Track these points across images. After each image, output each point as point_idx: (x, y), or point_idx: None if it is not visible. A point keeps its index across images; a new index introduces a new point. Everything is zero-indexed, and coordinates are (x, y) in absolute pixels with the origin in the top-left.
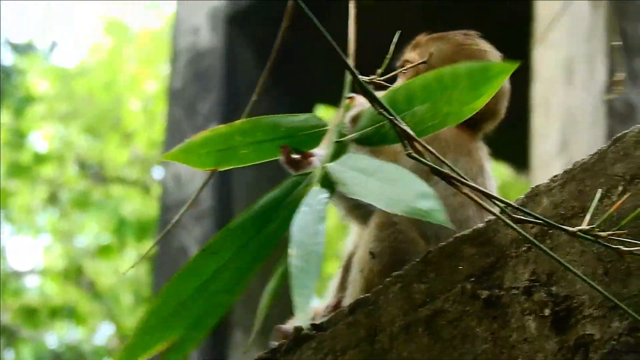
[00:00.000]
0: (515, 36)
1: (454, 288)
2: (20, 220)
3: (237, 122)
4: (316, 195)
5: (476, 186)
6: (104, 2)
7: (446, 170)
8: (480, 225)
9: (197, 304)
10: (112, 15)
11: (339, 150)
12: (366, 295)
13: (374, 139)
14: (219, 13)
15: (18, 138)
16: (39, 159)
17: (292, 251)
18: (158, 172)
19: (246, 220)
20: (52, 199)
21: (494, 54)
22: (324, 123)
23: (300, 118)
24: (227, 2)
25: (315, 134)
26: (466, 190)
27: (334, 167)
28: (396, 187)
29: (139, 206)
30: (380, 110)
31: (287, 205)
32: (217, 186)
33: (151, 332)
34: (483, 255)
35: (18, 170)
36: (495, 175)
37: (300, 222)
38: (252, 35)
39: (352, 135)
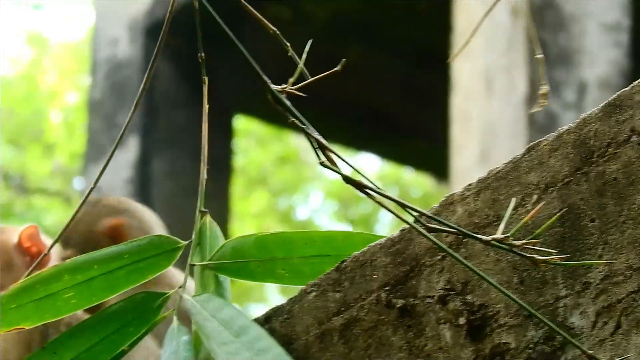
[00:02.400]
0: (434, 47)
1: (369, 297)
2: None
3: (68, 260)
4: (177, 336)
5: (391, 196)
6: (24, 14)
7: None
8: (395, 234)
9: None
10: (32, 27)
11: (197, 276)
12: (281, 304)
13: (240, 272)
14: (137, 24)
15: None
16: None
17: None
18: (79, 183)
19: (91, 325)
20: None
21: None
22: (175, 241)
23: (144, 241)
24: (145, 14)
25: (167, 255)
26: (380, 198)
27: (195, 307)
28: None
29: (60, 217)
30: (293, 119)
31: (136, 320)
32: (137, 197)
33: None
34: (397, 264)
35: None
36: (418, 185)
37: None
38: (171, 47)
39: (211, 262)
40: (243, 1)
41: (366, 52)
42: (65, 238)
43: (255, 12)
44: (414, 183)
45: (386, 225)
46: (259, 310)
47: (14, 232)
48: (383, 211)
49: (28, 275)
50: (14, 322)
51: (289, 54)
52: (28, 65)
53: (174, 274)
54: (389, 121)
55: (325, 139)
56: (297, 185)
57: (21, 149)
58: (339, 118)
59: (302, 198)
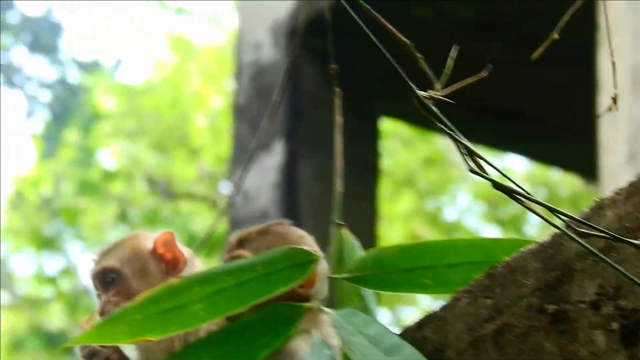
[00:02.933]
0: (578, 44)
1: (521, 302)
2: (91, 238)
3: (200, 272)
4: (318, 351)
5: (540, 201)
6: (168, 19)
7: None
8: (546, 239)
9: None
10: (176, 32)
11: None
12: (434, 310)
13: (382, 283)
14: (280, 27)
15: (86, 156)
16: (108, 176)
17: None
18: (225, 188)
19: (226, 333)
20: (122, 216)
21: (308, 238)
22: (309, 254)
23: (278, 253)
24: (288, 16)
25: (301, 268)
26: (528, 203)
27: (339, 322)
28: None
29: (207, 222)
30: (440, 125)
31: (271, 332)
32: (284, 201)
33: None
34: (549, 269)
35: (87, 188)
36: (566, 186)
37: None
38: (314, 50)
39: (352, 274)
40: (376, 14)
41: (509, 51)
42: (244, 239)
43: (389, 26)
44: (562, 183)
45: (535, 227)
46: (408, 312)
47: (149, 238)
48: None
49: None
50: (139, 334)
51: (421, 62)
52: (173, 69)
53: None
54: (535, 121)
55: (471, 140)
56: (444, 186)
57: (167, 154)
58: (484, 119)
59: (450, 199)
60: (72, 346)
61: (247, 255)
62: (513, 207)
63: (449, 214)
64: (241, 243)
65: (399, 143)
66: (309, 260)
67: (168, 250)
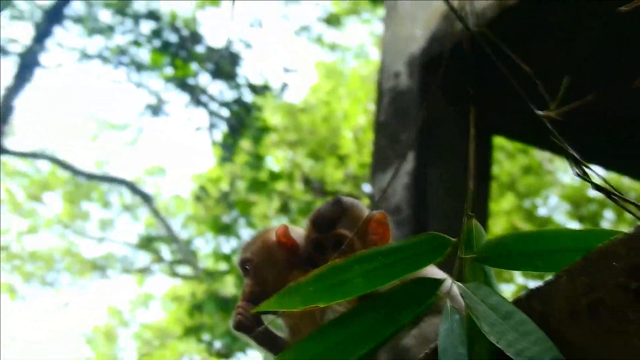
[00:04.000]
0: None
1: (610, 281)
2: (259, 225)
3: (357, 253)
4: (451, 316)
5: (629, 199)
6: (324, 52)
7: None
8: (631, 229)
9: (337, 351)
10: (330, 62)
11: (465, 267)
12: (539, 286)
13: (503, 262)
14: (415, 60)
15: (256, 160)
16: (273, 176)
17: None
18: (367, 188)
19: (372, 305)
20: (284, 209)
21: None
22: (446, 239)
23: (420, 238)
24: (421, 52)
25: (439, 250)
26: (626, 205)
27: (467, 293)
28: (528, 341)
29: None
30: (552, 137)
31: (413, 302)
32: (414, 196)
33: None
34: (636, 254)
35: (257, 186)
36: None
37: (444, 344)
38: (443, 78)
39: (478, 255)
40: (503, 46)
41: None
42: (332, 219)
43: (515, 58)
44: (632, 187)
45: (609, 222)
46: (506, 288)
47: (272, 232)
48: (607, 210)
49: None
50: (311, 301)
51: (540, 88)
52: (327, 92)
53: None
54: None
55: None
56: (539, 189)
57: (320, 160)
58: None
59: (543, 200)
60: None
61: (346, 233)
62: (592, 206)
63: (542, 211)
64: (333, 222)
65: (504, 154)
66: (446, 243)
67: (287, 239)
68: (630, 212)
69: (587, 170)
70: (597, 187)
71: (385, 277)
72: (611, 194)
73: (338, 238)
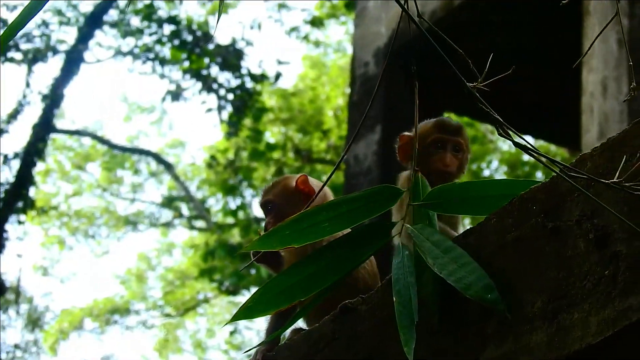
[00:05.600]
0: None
1: (530, 221)
2: (260, 186)
3: (325, 202)
4: (402, 252)
5: (544, 155)
6: (307, 47)
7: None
8: (548, 180)
9: (309, 281)
10: (313, 55)
11: (413, 212)
12: (473, 227)
13: (445, 208)
14: (380, 52)
15: (256, 135)
16: (270, 147)
17: (395, 298)
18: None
19: (341, 242)
20: (279, 173)
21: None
22: (397, 189)
23: (376, 189)
24: (385, 45)
25: (392, 198)
26: (540, 157)
27: (415, 233)
28: (465, 271)
29: (332, 177)
30: (481, 105)
31: (372, 240)
32: (381, 160)
33: (269, 299)
34: (549, 199)
35: (257, 155)
36: (560, 155)
37: (396, 275)
38: (404, 65)
39: (424, 202)
40: (444, 36)
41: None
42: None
43: (452, 43)
44: (559, 153)
45: (539, 180)
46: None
47: (293, 179)
48: (538, 171)
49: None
50: (287, 242)
51: (470, 65)
52: (312, 80)
53: None
54: (545, 113)
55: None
56: (483, 155)
57: (307, 134)
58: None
59: (486, 164)
60: (247, 252)
61: (463, 142)
62: (526, 169)
63: (485, 173)
64: (457, 130)
65: None
66: (397, 193)
67: (305, 186)
68: (544, 164)
69: (509, 131)
70: (516, 144)
71: (349, 221)
72: (529, 149)
73: (459, 144)
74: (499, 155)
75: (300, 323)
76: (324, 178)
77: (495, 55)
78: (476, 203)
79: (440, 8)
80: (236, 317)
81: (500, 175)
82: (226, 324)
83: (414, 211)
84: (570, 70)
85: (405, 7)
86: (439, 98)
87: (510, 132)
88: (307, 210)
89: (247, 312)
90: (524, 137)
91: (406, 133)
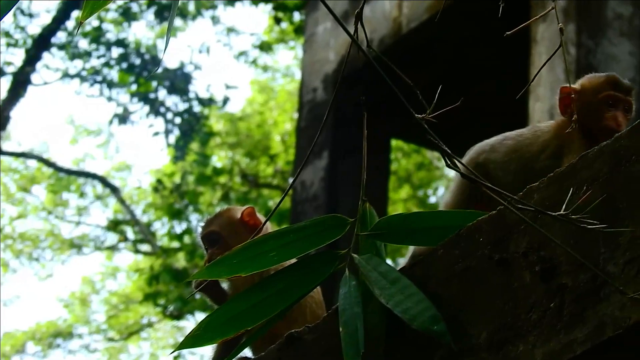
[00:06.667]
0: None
1: (478, 252)
2: (205, 211)
3: (273, 231)
4: (349, 282)
5: (492, 186)
6: (256, 71)
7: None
8: (494, 211)
9: (256, 310)
10: (261, 79)
11: (360, 242)
12: (421, 257)
13: (391, 238)
14: (329, 78)
15: (203, 159)
16: (217, 172)
17: (341, 329)
18: (291, 180)
19: (290, 270)
20: (225, 198)
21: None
22: (345, 219)
23: (323, 219)
24: (333, 72)
25: (339, 228)
26: (488, 189)
27: (361, 262)
28: (412, 302)
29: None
30: (429, 136)
31: (318, 270)
32: (328, 187)
33: (216, 328)
34: (496, 230)
35: (203, 179)
36: None
37: (343, 305)
38: (351, 92)
39: (371, 232)
40: (393, 66)
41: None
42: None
43: (401, 74)
44: None
45: None
46: (402, 261)
47: (238, 211)
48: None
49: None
50: (234, 271)
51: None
52: (260, 105)
53: None
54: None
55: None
56: (430, 182)
57: (254, 159)
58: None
59: (432, 190)
60: (191, 280)
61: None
62: None
63: (432, 200)
64: (629, 89)
65: (401, 153)
66: (345, 222)
67: (251, 218)
68: (491, 194)
69: (456, 161)
70: (463, 175)
71: (296, 250)
72: (474, 180)
73: (630, 104)
74: (445, 182)
75: (247, 352)
76: (271, 203)
77: (443, 82)
78: (424, 234)
79: (388, 35)
80: (183, 346)
81: None
82: (172, 352)
83: (361, 241)
84: (518, 98)
85: (355, 35)
86: (387, 124)
87: (458, 162)
88: (254, 239)
89: (193, 340)
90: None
91: (571, 85)
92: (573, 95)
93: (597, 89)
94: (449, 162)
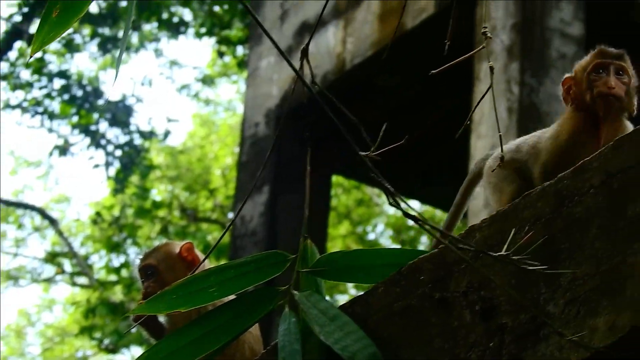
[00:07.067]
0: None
1: (418, 291)
2: (144, 244)
3: (214, 266)
4: (288, 319)
5: (434, 225)
6: (198, 105)
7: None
8: (436, 250)
9: (195, 346)
10: (203, 113)
11: (301, 279)
12: (360, 294)
13: (331, 276)
14: (271, 113)
15: (143, 192)
16: (156, 205)
17: None
18: (231, 215)
19: (230, 306)
20: (164, 232)
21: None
22: (286, 255)
23: (265, 255)
24: (276, 107)
25: (280, 265)
26: (432, 229)
27: (302, 299)
28: (351, 339)
29: (218, 236)
30: (373, 174)
31: (258, 307)
32: (268, 222)
33: None
34: (437, 269)
35: (142, 213)
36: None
37: (282, 341)
38: (294, 127)
39: (311, 269)
40: (338, 103)
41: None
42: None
43: (346, 111)
44: (443, 218)
45: (424, 245)
46: (342, 298)
47: (177, 246)
48: (423, 236)
49: (188, 276)
50: (174, 307)
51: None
52: (201, 139)
53: None
54: (428, 176)
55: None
56: (369, 218)
57: (194, 193)
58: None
59: (372, 227)
60: (129, 315)
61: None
62: (411, 233)
63: (371, 236)
64: (620, 55)
65: (341, 189)
66: (285, 259)
67: (189, 254)
68: (431, 233)
69: (399, 200)
70: (405, 214)
71: (237, 286)
72: (416, 219)
73: (622, 67)
74: (384, 218)
75: None
76: (209, 238)
77: (387, 118)
78: (364, 271)
79: (332, 71)
80: None
81: (385, 239)
82: None
83: (302, 278)
84: (460, 135)
85: (300, 70)
86: (328, 159)
87: (401, 201)
88: (194, 274)
89: None
90: (413, 201)
91: (568, 75)
92: (571, 84)
93: (586, 65)
94: (392, 201)
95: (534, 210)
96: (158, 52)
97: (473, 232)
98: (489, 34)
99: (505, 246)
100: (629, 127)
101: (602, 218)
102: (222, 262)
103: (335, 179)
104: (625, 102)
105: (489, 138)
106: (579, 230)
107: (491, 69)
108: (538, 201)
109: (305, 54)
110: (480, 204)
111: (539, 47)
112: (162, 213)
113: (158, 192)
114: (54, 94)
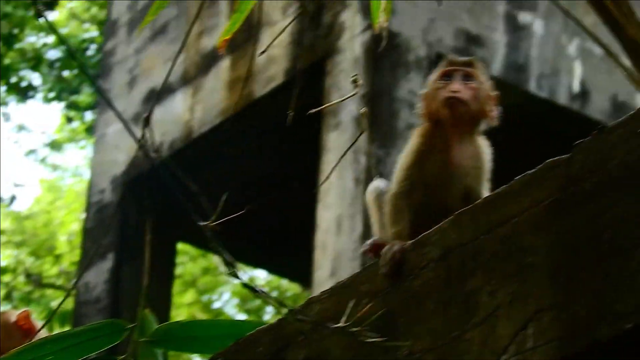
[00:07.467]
0: (307, 196)
1: None
2: None
3: (51, 335)
4: None
5: (272, 296)
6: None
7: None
8: (274, 321)
9: None
10: (50, 178)
11: (139, 349)
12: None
13: (170, 345)
14: (117, 180)
15: None
16: (1, 270)
17: None
18: (74, 282)
19: None
20: (8, 297)
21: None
22: (124, 324)
23: (102, 323)
24: (122, 173)
25: (117, 334)
26: (266, 298)
27: None
28: None
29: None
30: (213, 244)
31: None
32: (112, 289)
33: None
34: (275, 341)
35: None
36: (291, 290)
37: None
38: (138, 194)
39: (149, 339)
40: (177, 172)
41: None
42: None
43: (185, 181)
44: (289, 288)
45: (270, 314)
46: None
47: (13, 314)
48: (269, 306)
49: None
50: None
51: (204, 203)
52: (47, 204)
53: None
54: (275, 246)
55: (235, 257)
56: (215, 287)
57: (40, 258)
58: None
59: (218, 295)
60: None
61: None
62: (257, 302)
63: (217, 305)
64: (469, 63)
65: (187, 257)
66: (123, 328)
67: (26, 322)
68: (272, 304)
69: (236, 270)
70: (244, 284)
71: (75, 355)
72: (254, 289)
73: (469, 73)
74: (230, 287)
75: None
76: (54, 304)
77: (234, 186)
78: (203, 342)
79: (180, 139)
80: None
81: (231, 308)
82: None
83: (140, 347)
84: (306, 205)
85: (143, 138)
86: (173, 227)
87: (241, 271)
88: (30, 343)
89: None
90: (260, 271)
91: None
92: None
93: (434, 78)
94: (232, 273)
95: (372, 284)
96: (6, 117)
97: (312, 304)
98: (360, 81)
99: (344, 318)
100: (483, 144)
101: (439, 293)
102: (67, 326)
103: (181, 246)
104: (474, 107)
105: (335, 208)
106: (416, 304)
107: (363, 113)
108: (377, 275)
109: (147, 121)
110: (326, 274)
111: (386, 118)
112: (6, 278)
113: (3, 257)
114: None
